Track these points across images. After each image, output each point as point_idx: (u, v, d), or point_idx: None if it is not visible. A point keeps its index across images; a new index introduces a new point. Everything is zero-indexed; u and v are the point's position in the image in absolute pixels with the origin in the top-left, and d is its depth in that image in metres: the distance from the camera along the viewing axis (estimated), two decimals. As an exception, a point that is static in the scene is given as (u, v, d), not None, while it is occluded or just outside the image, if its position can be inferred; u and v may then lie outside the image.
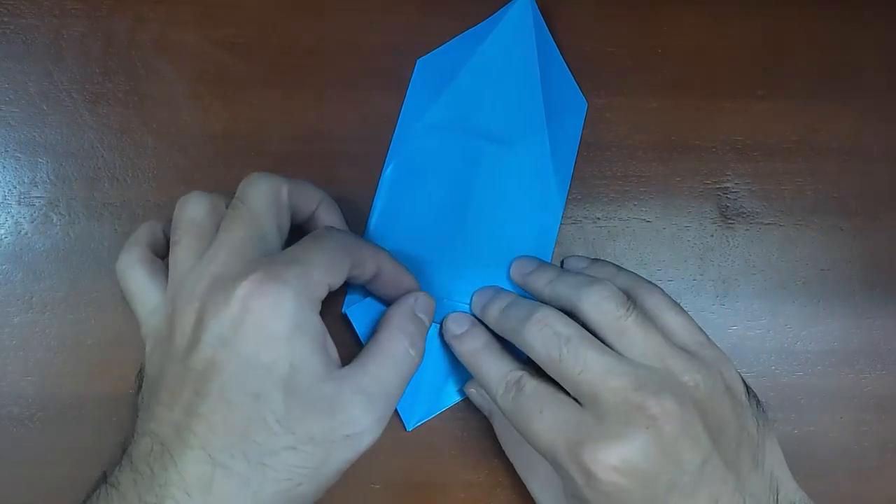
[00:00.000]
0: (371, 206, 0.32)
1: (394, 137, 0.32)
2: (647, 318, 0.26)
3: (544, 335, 0.26)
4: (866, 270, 0.33)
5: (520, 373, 0.27)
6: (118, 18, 0.33)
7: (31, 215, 0.32)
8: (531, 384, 0.26)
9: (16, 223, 0.32)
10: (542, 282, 0.29)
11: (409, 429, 0.31)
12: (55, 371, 0.31)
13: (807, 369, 0.32)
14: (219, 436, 0.22)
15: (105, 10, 0.33)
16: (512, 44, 0.32)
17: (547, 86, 0.32)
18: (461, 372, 0.31)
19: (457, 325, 0.30)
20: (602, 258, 0.32)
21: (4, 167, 0.32)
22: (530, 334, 0.26)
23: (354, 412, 0.24)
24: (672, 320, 0.27)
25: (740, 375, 0.27)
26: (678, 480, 0.24)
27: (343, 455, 0.24)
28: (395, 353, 0.26)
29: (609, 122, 0.33)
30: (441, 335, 0.31)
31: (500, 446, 0.31)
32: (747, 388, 0.27)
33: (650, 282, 0.29)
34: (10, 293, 0.31)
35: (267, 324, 0.22)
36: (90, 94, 0.33)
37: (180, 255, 0.26)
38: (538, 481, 0.29)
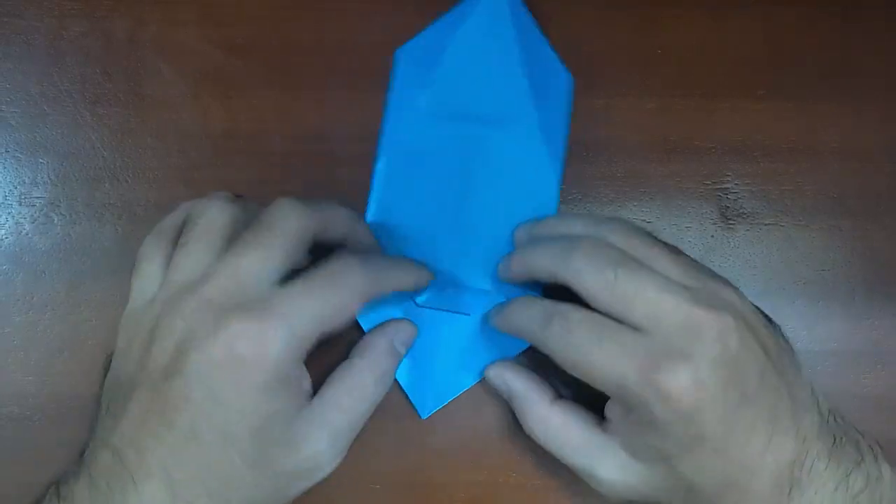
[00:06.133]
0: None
1: (382, 131, 0.32)
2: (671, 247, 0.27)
3: (596, 258, 0.25)
4: (866, 270, 0.33)
5: (564, 305, 0.26)
6: (118, 18, 0.33)
7: (32, 215, 0.32)
8: (578, 314, 0.25)
9: (17, 223, 0.32)
10: (549, 227, 0.30)
11: (425, 417, 0.31)
12: (55, 371, 0.31)
13: (807, 369, 0.32)
14: (183, 468, 0.22)
15: (105, 10, 0.33)
16: (489, 25, 0.32)
17: (529, 63, 0.32)
18: (472, 355, 0.31)
19: (495, 309, 0.30)
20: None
21: (5, 167, 0.32)
22: (579, 260, 0.25)
23: (320, 446, 0.24)
24: (680, 255, 0.27)
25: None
26: (746, 391, 0.24)
27: (301, 486, 0.25)
28: (365, 386, 0.26)
29: (609, 122, 0.33)
30: (448, 322, 0.31)
31: (500, 446, 0.31)
32: (765, 315, 0.27)
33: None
34: (11, 293, 0.31)
35: (249, 373, 0.22)
36: (90, 94, 0.33)
37: (183, 260, 0.25)
38: (574, 449, 0.27)
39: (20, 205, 0.32)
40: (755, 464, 0.24)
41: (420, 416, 0.31)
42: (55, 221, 0.32)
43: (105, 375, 0.26)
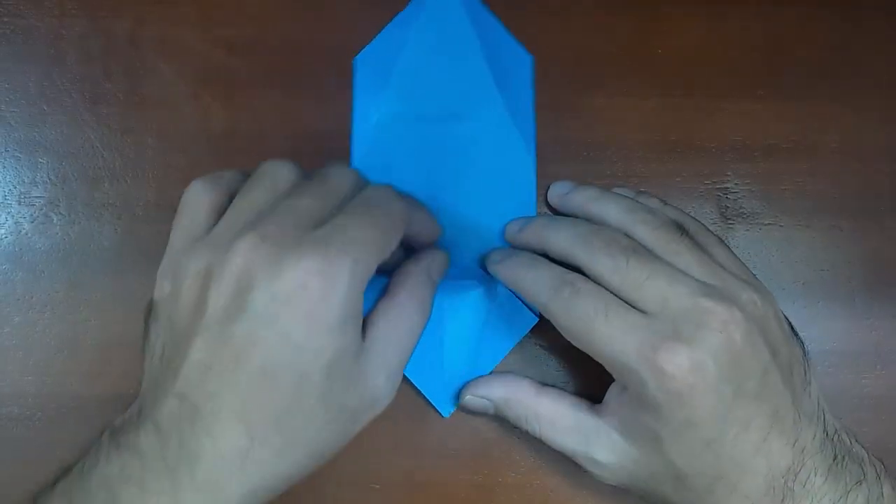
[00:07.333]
0: None
1: (352, 143, 0.32)
2: (699, 245, 0.27)
3: (611, 246, 0.26)
4: (866, 271, 0.33)
5: (574, 274, 0.27)
6: (118, 18, 0.33)
7: (32, 215, 0.32)
8: (588, 285, 0.26)
9: (16, 223, 0.32)
10: (583, 198, 0.30)
11: (447, 415, 0.31)
12: (55, 371, 0.31)
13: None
14: (258, 411, 0.22)
15: (105, 10, 0.33)
16: (443, 17, 0.32)
17: (488, 49, 0.32)
18: (481, 345, 0.31)
19: (498, 254, 0.30)
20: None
21: (4, 167, 0.32)
22: (597, 247, 0.26)
23: (378, 381, 0.24)
24: (720, 253, 0.28)
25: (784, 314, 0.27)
26: (744, 386, 0.24)
27: (365, 420, 0.25)
28: (411, 318, 0.26)
29: (609, 122, 0.33)
30: (453, 317, 0.31)
31: (500, 446, 0.31)
32: (791, 326, 0.27)
33: (694, 217, 0.30)
34: (11, 293, 0.31)
35: (320, 311, 0.22)
36: (90, 94, 0.33)
37: (243, 204, 0.24)
38: (568, 434, 0.28)
39: (19, 204, 0.32)
40: (746, 462, 0.24)
41: (442, 416, 0.31)
42: (54, 221, 0.32)
43: (147, 324, 0.25)
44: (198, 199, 0.25)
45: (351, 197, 0.25)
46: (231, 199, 0.25)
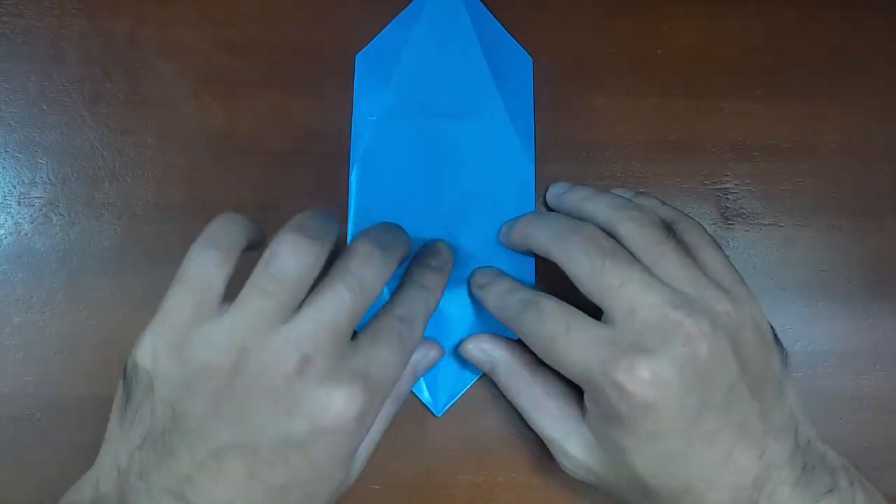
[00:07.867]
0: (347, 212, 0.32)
1: (352, 139, 0.32)
2: (686, 250, 0.27)
3: (589, 246, 0.26)
4: (866, 271, 0.33)
5: (539, 295, 0.27)
6: (118, 18, 0.33)
7: (31, 215, 0.32)
8: (549, 303, 0.26)
9: (16, 223, 0.32)
10: (577, 197, 0.30)
11: (439, 415, 0.31)
12: (55, 371, 0.31)
13: (807, 370, 0.32)
14: None
15: (105, 10, 0.33)
16: (444, 17, 0.33)
17: (488, 50, 0.33)
18: None
19: (482, 277, 0.30)
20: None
21: (4, 167, 0.32)
22: (575, 244, 0.26)
23: (355, 472, 0.27)
24: (710, 256, 0.27)
25: (768, 321, 0.27)
26: (709, 399, 0.24)
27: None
28: (387, 415, 0.28)
29: (609, 122, 0.33)
30: (448, 318, 0.31)
31: (500, 446, 0.31)
32: (774, 334, 0.27)
33: (691, 217, 0.29)
34: (11, 293, 0.31)
35: (347, 444, 0.23)
36: (90, 94, 0.33)
37: (267, 308, 0.23)
38: (549, 418, 0.28)
39: (19, 205, 0.32)
40: (712, 475, 0.24)
41: (435, 415, 0.31)
42: (54, 221, 0.32)
43: (129, 385, 0.24)
44: (209, 272, 0.23)
45: (380, 289, 0.25)
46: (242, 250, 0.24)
